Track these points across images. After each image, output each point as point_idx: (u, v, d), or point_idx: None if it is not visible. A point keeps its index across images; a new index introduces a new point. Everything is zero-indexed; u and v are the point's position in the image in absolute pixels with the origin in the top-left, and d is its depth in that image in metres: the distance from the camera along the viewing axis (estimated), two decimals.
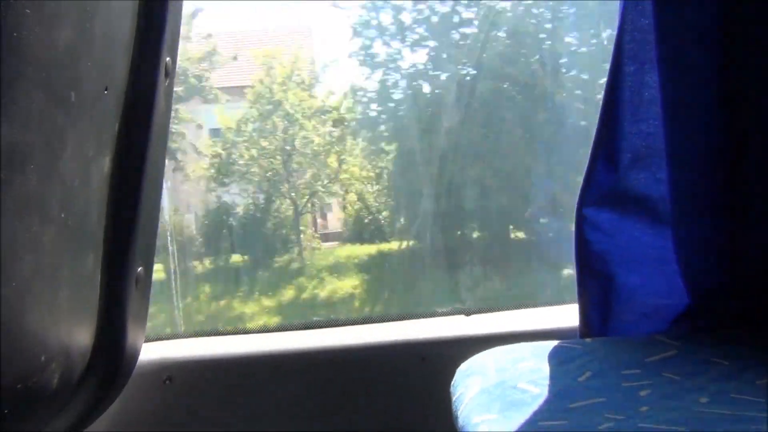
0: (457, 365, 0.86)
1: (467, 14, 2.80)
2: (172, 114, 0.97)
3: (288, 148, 2.96)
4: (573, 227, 0.91)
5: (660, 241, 0.87)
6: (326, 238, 3.19)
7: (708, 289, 0.87)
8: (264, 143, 2.97)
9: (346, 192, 3.15)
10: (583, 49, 2.68)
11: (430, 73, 2.89)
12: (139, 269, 0.91)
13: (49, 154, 0.68)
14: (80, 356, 0.84)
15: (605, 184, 0.88)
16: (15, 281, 0.64)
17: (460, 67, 2.80)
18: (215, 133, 3.06)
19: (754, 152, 0.82)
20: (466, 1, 2.76)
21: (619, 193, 0.88)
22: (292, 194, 3.04)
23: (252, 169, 2.99)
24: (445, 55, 2.86)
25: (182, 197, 3.02)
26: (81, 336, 0.83)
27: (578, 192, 0.90)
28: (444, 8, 2.80)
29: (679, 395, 0.68)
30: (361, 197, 3.16)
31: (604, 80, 0.86)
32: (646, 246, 0.88)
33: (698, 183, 0.84)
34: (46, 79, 0.65)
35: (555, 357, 0.81)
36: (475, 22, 2.77)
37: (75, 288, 0.79)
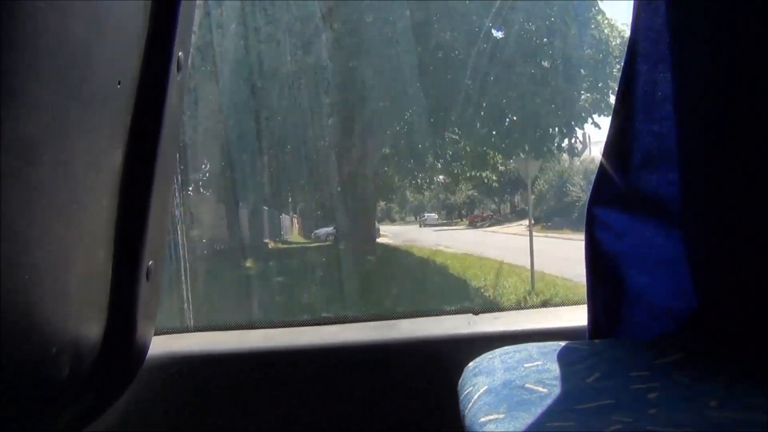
0: (464, 364, 0.86)
1: None
2: None
3: None
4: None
5: (670, 242, 0.86)
6: None
7: (718, 292, 0.87)
8: None
9: None
10: None
11: None
12: (150, 263, 0.92)
13: (60, 147, 0.68)
14: (90, 348, 0.85)
15: (616, 183, 0.88)
16: (26, 273, 0.65)
17: None
18: None
19: (766, 155, 0.81)
20: None
21: (630, 194, 0.87)
22: None
23: None
24: None
25: None
26: (91, 328, 0.84)
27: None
28: None
29: (688, 398, 0.67)
30: None
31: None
32: (655, 247, 0.88)
33: (709, 185, 0.83)
34: (59, 73, 0.66)
35: (563, 357, 0.81)
36: None
37: (85, 280, 0.80)
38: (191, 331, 1.23)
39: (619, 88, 0.85)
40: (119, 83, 0.79)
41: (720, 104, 0.81)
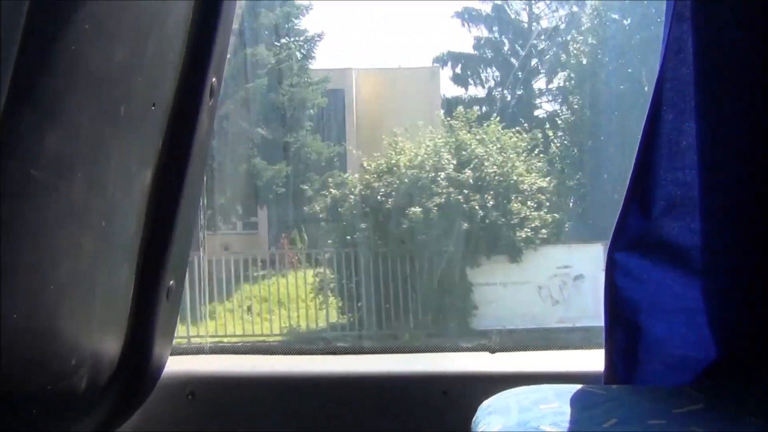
0: (479, 402, 0.85)
1: None
2: None
3: None
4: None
5: (690, 291, 0.86)
6: None
7: (737, 343, 0.85)
8: None
9: None
10: None
11: None
12: (171, 282, 0.93)
13: (94, 165, 0.70)
14: (108, 363, 0.85)
15: (638, 230, 0.87)
16: (53, 285, 0.66)
17: None
18: None
19: None
20: None
21: (652, 241, 0.87)
22: None
23: None
24: None
25: None
26: (110, 343, 0.85)
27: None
28: None
29: None
30: None
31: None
32: (676, 295, 0.87)
33: (731, 235, 0.82)
34: (98, 93, 0.68)
35: (579, 401, 0.80)
36: None
37: (108, 296, 0.81)
38: (207, 353, 1.24)
39: (642, 134, 0.85)
40: (154, 105, 0.81)
41: (745, 156, 0.81)
